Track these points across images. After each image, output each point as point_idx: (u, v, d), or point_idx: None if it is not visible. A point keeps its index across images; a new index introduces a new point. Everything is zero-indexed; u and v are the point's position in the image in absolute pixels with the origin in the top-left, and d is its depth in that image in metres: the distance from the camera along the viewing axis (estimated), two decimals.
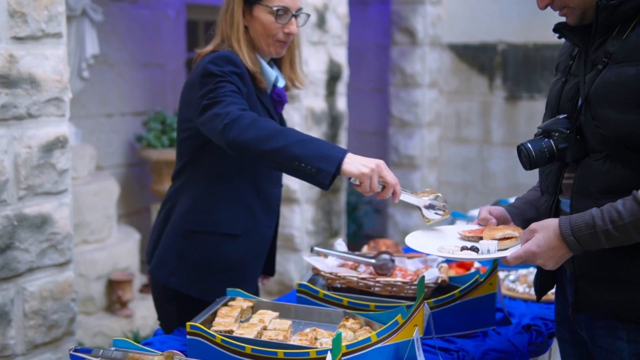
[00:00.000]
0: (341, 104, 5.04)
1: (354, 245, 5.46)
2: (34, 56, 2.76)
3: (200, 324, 1.92)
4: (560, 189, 1.90)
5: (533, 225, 1.80)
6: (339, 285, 2.34)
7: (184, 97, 2.37)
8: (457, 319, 2.24)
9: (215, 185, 2.36)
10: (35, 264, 2.82)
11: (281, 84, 2.46)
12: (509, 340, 2.26)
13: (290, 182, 4.68)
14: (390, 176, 2.02)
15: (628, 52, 1.73)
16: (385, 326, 1.85)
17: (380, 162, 2.02)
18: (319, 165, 1.97)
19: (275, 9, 2.34)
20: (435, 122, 6.51)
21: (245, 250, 2.40)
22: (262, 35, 2.37)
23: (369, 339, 1.81)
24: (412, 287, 2.26)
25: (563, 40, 1.97)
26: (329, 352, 1.67)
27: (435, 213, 2.08)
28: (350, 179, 2.01)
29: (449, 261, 2.55)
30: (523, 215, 2.06)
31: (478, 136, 6.37)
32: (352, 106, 6.29)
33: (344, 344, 1.74)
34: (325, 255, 2.47)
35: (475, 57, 6.34)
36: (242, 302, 2.15)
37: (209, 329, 1.92)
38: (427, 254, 2.20)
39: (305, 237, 4.76)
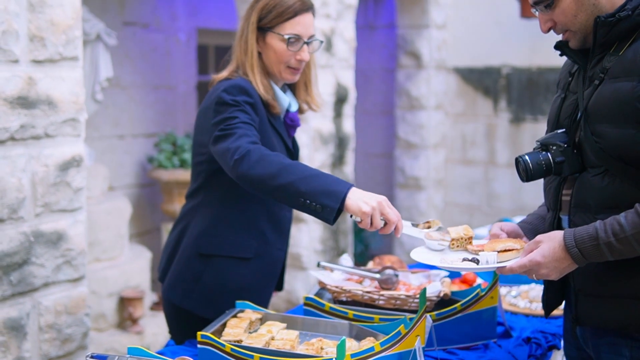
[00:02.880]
0: (348, 125, 5.14)
1: (360, 264, 5.53)
2: (52, 78, 2.87)
3: (210, 333, 2.01)
4: (560, 206, 1.93)
5: (539, 237, 1.83)
6: (344, 299, 2.42)
7: (198, 122, 2.42)
8: (458, 331, 2.30)
9: (228, 209, 2.41)
10: (50, 279, 2.91)
11: (294, 108, 2.51)
12: (509, 353, 2.32)
13: None
14: (392, 213, 2.01)
15: (623, 67, 1.77)
16: (388, 336, 1.93)
17: (383, 198, 2.02)
18: (324, 202, 2.01)
19: (286, 37, 2.37)
20: (441, 143, 6.60)
21: (257, 273, 2.45)
22: (274, 62, 2.40)
23: (372, 348, 1.88)
24: (415, 300, 2.33)
25: (564, 60, 2.04)
26: (333, 359, 1.75)
27: (439, 244, 2.11)
28: (352, 215, 2.04)
29: (451, 276, 2.63)
30: (536, 230, 2.08)
31: (483, 157, 6.46)
32: (359, 128, 6.39)
33: (348, 353, 1.81)
34: (332, 270, 2.55)
35: (480, 80, 6.44)
36: (251, 314, 2.23)
37: (219, 338, 2.00)
38: (430, 266, 2.24)
39: (313, 255, 4.84)
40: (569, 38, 1.89)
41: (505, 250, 1.92)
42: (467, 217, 6.51)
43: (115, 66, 4.89)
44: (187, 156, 5.21)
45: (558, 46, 1.94)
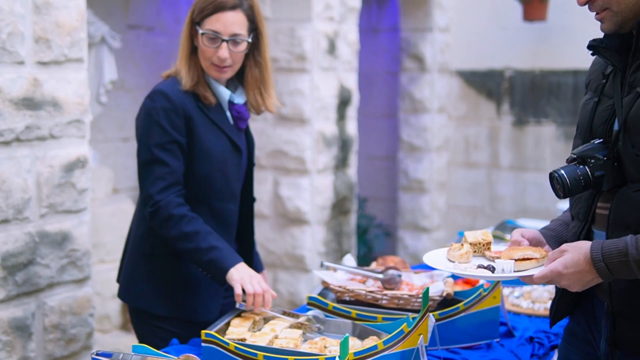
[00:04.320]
0: (351, 128, 5.15)
1: (364, 266, 5.53)
2: (57, 80, 2.89)
3: (214, 332, 2.02)
4: (592, 218, 1.81)
5: (564, 246, 1.72)
6: (347, 298, 2.43)
7: (137, 121, 2.48)
8: (461, 331, 2.31)
9: None
10: (55, 280, 2.92)
11: (240, 100, 2.52)
12: (512, 352, 2.33)
13: (302, 204, 4.78)
14: (262, 290, 2.25)
15: None
16: (391, 335, 1.94)
17: (261, 279, 2.29)
18: (212, 274, 2.34)
19: (201, 32, 2.39)
20: (444, 146, 6.61)
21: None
22: (201, 57, 2.44)
23: (375, 346, 1.89)
24: (418, 300, 2.34)
25: (595, 60, 1.88)
26: (336, 357, 1.76)
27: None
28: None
29: (455, 277, 2.63)
30: (559, 237, 1.97)
31: (486, 160, 6.46)
32: (363, 131, 6.40)
33: (351, 351, 1.83)
34: (335, 270, 2.56)
35: (483, 83, 6.45)
36: (255, 314, 2.24)
37: (223, 337, 2.01)
38: (443, 270, 2.12)
39: (316, 257, 4.85)
40: (605, 19, 1.72)
41: (523, 259, 1.82)
42: (470, 220, 6.51)
43: (119, 69, 4.91)
44: None
45: (592, 46, 1.77)
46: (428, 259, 1.96)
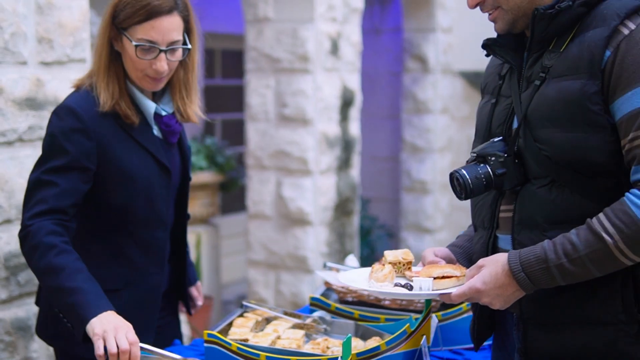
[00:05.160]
0: (354, 128, 5.15)
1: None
2: (60, 80, 2.88)
3: (217, 332, 2.02)
4: (497, 224, 1.72)
5: (481, 261, 1.64)
6: (350, 299, 2.43)
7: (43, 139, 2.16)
8: (464, 332, 2.30)
9: (90, 240, 2.15)
10: None
11: (168, 109, 2.18)
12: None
13: (304, 204, 4.77)
14: (123, 342, 1.82)
15: (568, 65, 1.58)
16: (394, 335, 1.93)
17: (128, 328, 1.86)
18: (72, 324, 1.92)
19: (135, 44, 2.00)
20: (447, 147, 6.61)
21: (130, 303, 2.14)
22: (130, 67, 2.07)
23: (378, 347, 1.88)
24: (421, 301, 2.34)
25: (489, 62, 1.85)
26: (339, 358, 1.76)
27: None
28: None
29: None
30: (467, 254, 1.88)
31: None
32: (366, 132, 6.40)
33: (354, 352, 1.82)
34: (338, 270, 2.55)
35: None
36: (257, 314, 2.24)
37: (225, 337, 2.01)
38: (357, 288, 1.98)
39: (319, 258, 4.85)
40: (497, 19, 1.68)
41: (443, 277, 1.72)
42: None
43: None
44: (192, 160, 5.22)
45: (486, 45, 1.73)
46: (344, 277, 1.86)
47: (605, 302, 1.58)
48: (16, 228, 2.74)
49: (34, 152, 2.81)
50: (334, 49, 4.90)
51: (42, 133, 2.82)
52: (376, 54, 6.89)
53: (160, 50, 2.01)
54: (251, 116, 4.94)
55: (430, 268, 1.76)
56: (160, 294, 2.25)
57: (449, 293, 1.65)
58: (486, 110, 1.78)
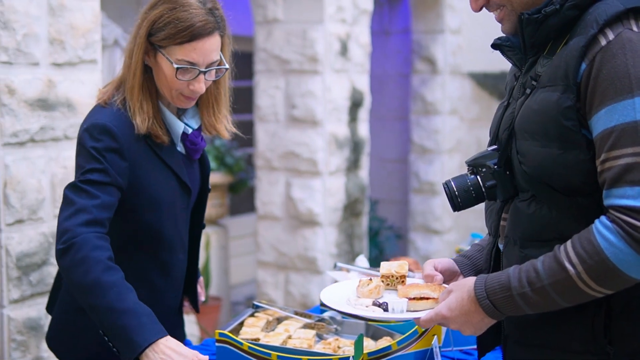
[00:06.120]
0: (363, 130, 5.15)
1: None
2: (71, 81, 2.90)
3: (228, 332, 2.02)
4: (499, 232, 1.65)
5: (451, 285, 1.58)
6: None
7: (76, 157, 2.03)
8: None
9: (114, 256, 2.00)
10: None
11: (194, 125, 2.12)
12: None
13: (313, 205, 4.78)
14: None
15: (550, 75, 1.48)
16: (405, 335, 1.94)
17: (194, 357, 1.74)
18: (119, 347, 1.76)
19: (175, 66, 1.93)
20: (455, 148, 6.60)
21: None
22: (164, 85, 1.99)
23: (389, 347, 1.89)
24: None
25: None
26: (350, 357, 1.76)
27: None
28: None
29: None
30: (475, 266, 1.79)
31: None
32: (374, 133, 6.41)
33: (365, 351, 1.83)
34: (348, 270, 2.56)
35: (495, 85, 6.44)
36: (268, 314, 2.25)
37: (237, 337, 2.02)
38: (331, 308, 1.83)
39: (328, 259, 4.85)
40: (503, 20, 1.60)
41: (420, 298, 1.67)
42: (481, 223, 6.48)
43: None
44: None
45: (496, 45, 1.65)
46: (325, 296, 1.79)
47: (576, 330, 1.50)
48: (28, 228, 2.76)
49: (45, 153, 2.82)
50: (344, 50, 4.90)
51: (54, 134, 2.84)
52: (385, 55, 6.89)
53: (200, 72, 1.96)
54: (260, 117, 4.95)
55: (409, 288, 1.72)
56: (175, 316, 2.22)
57: (418, 318, 1.59)
58: (499, 113, 1.70)
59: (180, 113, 2.11)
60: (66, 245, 1.82)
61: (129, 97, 1.99)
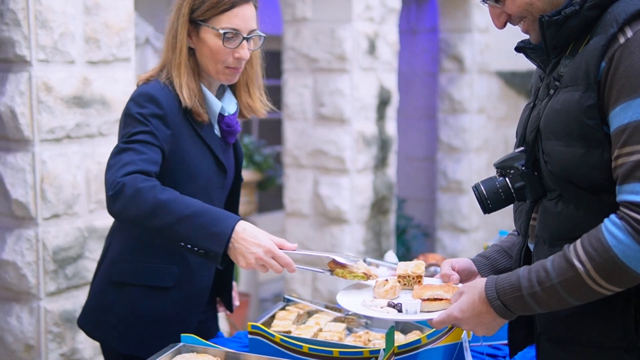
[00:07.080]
0: (391, 128, 5.17)
1: None
2: (106, 79, 2.96)
3: (260, 324, 2.06)
4: (529, 232, 1.66)
5: (462, 287, 1.60)
6: None
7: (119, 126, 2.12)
8: (503, 328, 2.31)
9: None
10: None
11: (231, 110, 2.19)
12: None
13: (341, 203, 4.81)
14: (276, 265, 1.82)
15: (572, 75, 1.50)
16: (434, 329, 1.95)
17: (270, 245, 1.81)
18: (206, 246, 1.81)
19: (222, 32, 2.05)
20: (483, 147, 6.59)
21: (178, 303, 2.16)
22: (209, 60, 2.09)
23: (419, 340, 1.91)
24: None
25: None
26: (381, 350, 1.79)
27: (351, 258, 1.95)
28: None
29: None
30: (494, 266, 1.80)
31: None
32: (402, 132, 6.42)
33: (395, 344, 1.85)
34: (377, 266, 2.58)
35: (523, 84, 6.41)
36: (298, 308, 2.28)
37: (269, 329, 2.05)
38: (345, 308, 1.89)
39: None
40: (529, 30, 1.62)
41: (434, 299, 1.68)
42: (509, 221, 6.46)
43: None
44: None
45: (519, 48, 1.68)
46: (341, 297, 1.83)
47: (606, 327, 1.50)
48: (65, 223, 2.83)
49: (81, 149, 2.89)
50: (371, 49, 4.92)
51: (89, 130, 2.90)
52: (412, 54, 6.90)
53: (244, 38, 2.07)
54: (289, 115, 4.99)
55: (423, 289, 1.73)
56: (207, 294, 2.25)
57: (431, 319, 1.61)
58: (525, 114, 1.70)
59: (218, 97, 2.19)
60: (115, 190, 1.85)
61: (175, 73, 2.07)
